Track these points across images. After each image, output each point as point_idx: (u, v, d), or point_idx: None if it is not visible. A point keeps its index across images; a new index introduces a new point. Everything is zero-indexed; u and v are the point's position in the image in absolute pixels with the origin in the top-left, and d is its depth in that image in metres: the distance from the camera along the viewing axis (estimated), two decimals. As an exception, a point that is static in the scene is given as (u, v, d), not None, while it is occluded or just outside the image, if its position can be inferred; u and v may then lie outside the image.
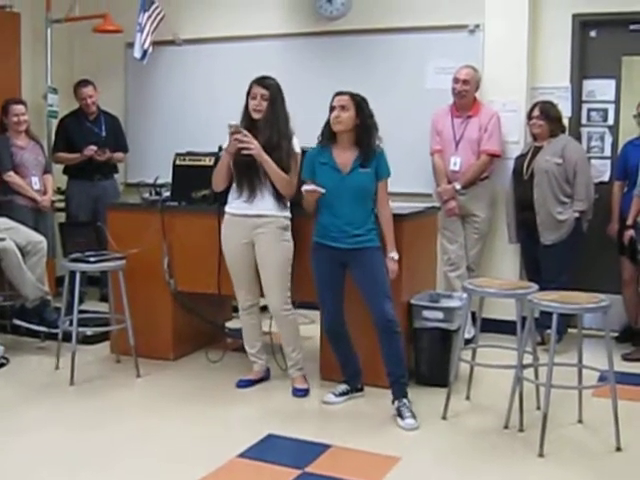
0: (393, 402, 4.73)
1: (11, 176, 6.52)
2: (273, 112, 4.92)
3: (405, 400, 4.70)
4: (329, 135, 4.79)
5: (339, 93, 4.76)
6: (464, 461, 4.18)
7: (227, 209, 5.09)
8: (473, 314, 5.26)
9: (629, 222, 5.96)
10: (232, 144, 4.91)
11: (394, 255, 4.76)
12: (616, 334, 6.20)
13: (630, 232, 5.96)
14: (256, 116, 4.94)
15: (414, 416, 4.62)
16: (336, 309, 4.89)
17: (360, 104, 4.71)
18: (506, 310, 6.10)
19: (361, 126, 4.71)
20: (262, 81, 4.97)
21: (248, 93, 4.98)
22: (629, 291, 6.20)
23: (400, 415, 4.64)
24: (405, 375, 4.78)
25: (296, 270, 5.08)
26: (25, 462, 4.06)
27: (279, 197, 4.96)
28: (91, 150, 7.23)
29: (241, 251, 5.03)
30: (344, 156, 4.75)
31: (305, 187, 4.73)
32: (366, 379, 5.10)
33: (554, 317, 4.19)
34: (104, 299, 6.97)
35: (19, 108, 6.67)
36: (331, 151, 4.78)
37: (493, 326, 5.75)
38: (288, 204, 5.03)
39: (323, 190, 4.69)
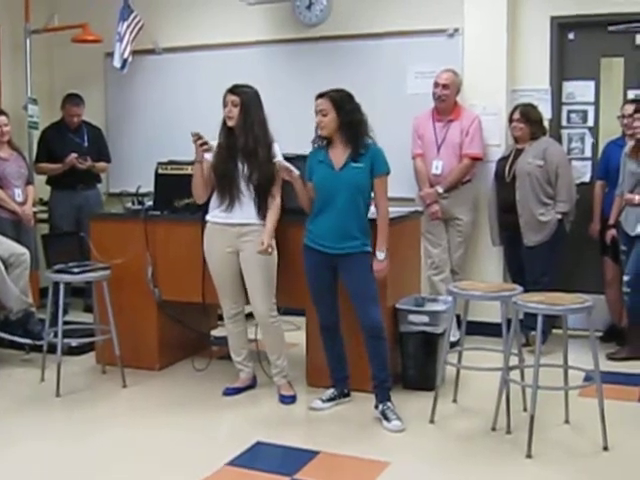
0: (377, 406, 4.76)
1: (-7, 190, 6.50)
2: (246, 118, 4.91)
3: (389, 403, 4.72)
4: (322, 138, 4.81)
5: (318, 96, 4.77)
6: (453, 464, 4.19)
7: (208, 218, 5.09)
8: (457, 317, 5.26)
9: (611, 222, 6.01)
10: (198, 152, 4.95)
11: (378, 254, 4.73)
12: (600, 334, 6.24)
13: (612, 232, 6.02)
14: (229, 123, 4.95)
15: (399, 418, 4.64)
16: (329, 308, 4.91)
17: (338, 103, 4.70)
18: (490, 312, 6.12)
19: (345, 124, 4.70)
20: (233, 89, 4.99)
21: (223, 102, 4.99)
22: (612, 291, 6.24)
23: (386, 418, 4.66)
24: (389, 379, 4.79)
25: (281, 276, 5.08)
26: (12, 475, 4.03)
27: (260, 205, 4.95)
28: (72, 158, 7.20)
29: (226, 260, 5.03)
30: (338, 154, 4.74)
31: (278, 161, 4.81)
32: (353, 384, 5.10)
33: (539, 318, 4.22)
34: (88, 309, 6.96)
35: (1, 119, 6.63)
36: (327, 151, 4.79)
37: (477, 328, 5.76)
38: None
39: (297, 171, 4.74)
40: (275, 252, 5.01)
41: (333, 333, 4.98)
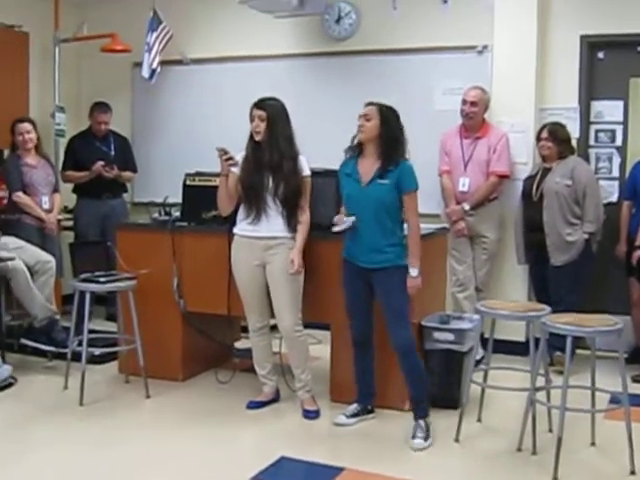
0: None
1: (20, 196, 6.53)
2: (272, 132, 4.91)
3: (421, 421, 4.69)
4: (356, 145, 4.80)
5: (368, 103, 4.77)
6: (478, 484, 4.17)
7: (236, 230, 5.09)
8: (481, 335, 5.24)
9: (637, 243, 5.97)
10: (224, 167, 4.96)
11: (412, 271, 4.67)
12: (625, 355, 6.18)
13: (638, 253, 5.97)
14: (257, 138, 4.95)
15: (425, 437, 4.62)
16: (363, 322, 4.89)
17: (386, 115, 4.70)
18: (514, 331, 6.15)
19: (384, 137, 4.68)
20: (259, 103, 4.98)
21: (250, 116, 5.00)
22: (638, 312, 6.20)
23: (413, 435, 4.64)
24: (422, 397, 4.76)
25: (306, 290, 5.07)
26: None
27: (288, 219, 4.96)
28: (99, 166, 7.23)
29: (252, 273, 5.03)
30: (367, 167, 4.72)
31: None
32: (378, 400, 5.08)
33: (568, 340, 4.18)
34: (110, 318, 7.00)
35: (24, 126, 6.68)
36: (356, 162, 4.78)
37: (500, 347, 5.73)
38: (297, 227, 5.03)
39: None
40: (302, 266, 5.00)
41: (365, 347, 4.96)
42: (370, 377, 5.02)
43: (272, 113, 4.94)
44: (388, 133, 4.68)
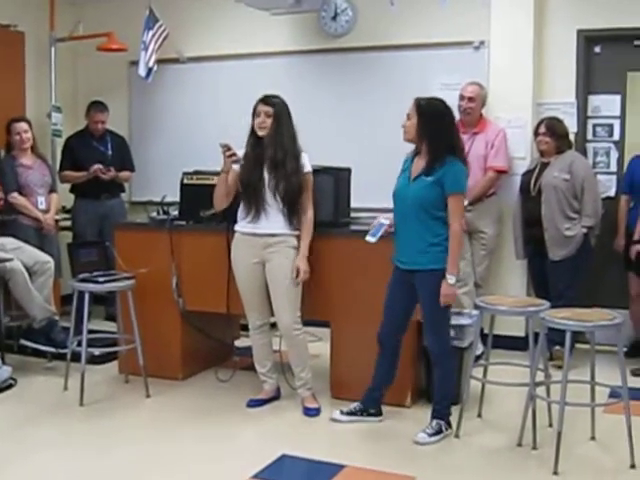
0: None
1: (15, 197, 6.52)
2: (277, 130, 4.91)
3: (434, 421, 4.68)
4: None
5: (415, 99, 4.64)
6: (479, 479, 4.16)
7: (236, 228, 5.09)
8: (481, 330, 5.24)
9: (636, 237, 5.97)
10: (226, 163, 4.95)
11: (448, 278, 4.52)
12: (624, 349, 6.18)
13: (637, 247, 5.98)
14: (260, 133, 4.94)
15: (431, 434, 4.62)
16: (389, 324, 4.80)
17: (423, 110, 4.56)
18: (514, 326, 6.15)
19: (424, 133, 4.56)
20: (266, 99, 4.98)
21: (253, 112, 4.98)
22: (637, 306, 6.22)
23: (422, 430, 4.65)
24: (440, 400, 4.73)
25: (305, 288, 5.06)
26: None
27: (288, 216, 4.95)
28: (96, 169, 7.23)
29: (252, 271, 5.02)
30: (419, 164, 4.63)
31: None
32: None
33: (567, 335, 4.18)
34: (109, 318, 6.99)
35: (20, 126, 6.68)
36: (413, 159, 4.71)
37: (499, 342, 5.72)
38: (298, 224, 5.02)
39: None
40: (302, 264, 5.02)
41: (384, 349, 4.85)
42: (381, 380, 4.91)
43: (279, 110, 4.94)
44: (426, 130, 4.56)
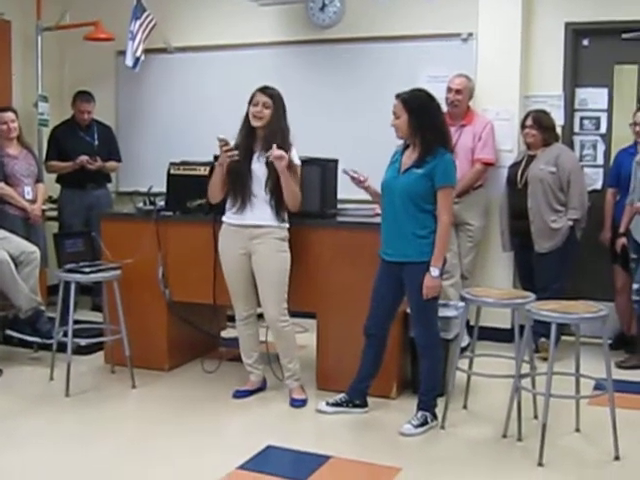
0: None
1: (2, 187, 6.46)
2: (273, 122, 4.89)
3: (420, 412, 4.70)
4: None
5: (396, 96, 4.64)
6: (464, 471, 4.17)
7: (224, 219, 5.07)
8: (467, 322, 5.26)
9: (621, 230, 5.99)
10: (223, 157, 4.91)
11: (432, 270, 4.53)
12: (609, 341, 6.21)
13: (622, 240, 5.99)
14: (255, 123, 4.91)
15: (416, 426, 4.63)
16: (375, 316, 4.82)
17: (412, 106, 4.56)
18: (500, 318, 6.17)
19: (416, 129, 4.56)
20: (265, 90, 4.95)
21: (250, 101, 4.96)
22: (622, 299, 6.23)
23: (408, 421, 4.66)
24: (426, 392, 4.75)
25: (292, 280, 5.05)
26: (21, 475, 4.03)
27: (276, 208, 4.93)
28: (83, 159, 7.20)
29: (238, 262, 5.01)
30: (410, 156, 4.63)
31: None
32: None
33: (553, 327, 4.20)
34: (96, 308, 6.98)
35: (8, 115, 6.63)
36: (403, 152, 4.71)
37: (485, 334, 5.75)
38: (286, 216, 5.01)
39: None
40: (288, 256, 5.00)
41: (370, 341, 4.85)
42: (367, 372, 4.92)
43: (277, 103, 4.92)
44: (418, 124, 4.55)
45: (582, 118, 6.70)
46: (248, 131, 4.95)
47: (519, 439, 4.49)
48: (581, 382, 4.66)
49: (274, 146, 4.77)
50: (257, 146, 4.93)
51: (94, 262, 5.60)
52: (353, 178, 4.82)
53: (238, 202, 4.95)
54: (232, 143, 4.91)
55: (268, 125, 4.90)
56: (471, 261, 6.51)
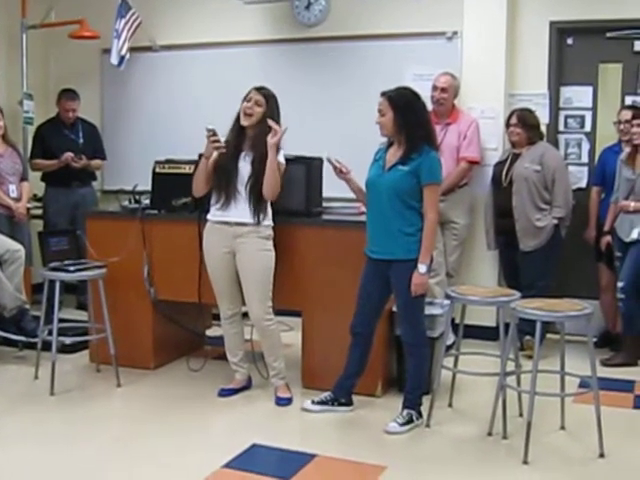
0: None
1: (-15, 185, 6.45)
2: (263, 123, 4.85)
3: (405, 410, 4.71)
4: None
5: (381, 94, 4.65)
6: (450, 469, 4.18)
7: (208, 216, 5.06)
8: (452, 320, 5.27)
9: (606, 228, 6.03)
10: (208, 148, 4.89)
11: (419, 267, 4.54)
12: (594, 339, 6.23)
13: (607, 238, 6.03)
14: (244, 122, 4.90)
15: (401, 424, 4.63)
16: (361, 314, 4.82)
17: (397, 103, 4.57)
18: (485, 316, 6.17)
19: (401, 126, 4.56)
20: (261, 89, 4.96)
21: (245, 97, 4.95)
22: (607, 297, 6.27)
23: (393, 419, 4.67)
24: (412, 390, 4.76)
25: (277, 278, 5.04)
26: (6, 475, 4.00)
27: (255, 207, 4.89)
28: (67, 156, 7.18)
29: (222, 260, 5.01)
30: (394, 154, 4.63)
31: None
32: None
33: (538, 325, 4.21)
34: (81, 307, 6.97)
35: (-8, 113, 6.60)
36: (387, 150, 4.71)
37: (471, 332, 5.76)
38: (270, 213, 4.99)
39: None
40: (272, 254, 4.99)
41: (356, 339, 4.86)
42: (353, 371, 4.92)
43: (270, 104, 4.92)
44: (404, 122, 4.56)
45: (567, 116, 6.72)
46: (238, 130, 4.94)
47: (504, 437, 4.50)
48: (566, 380, 4.68)
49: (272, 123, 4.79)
50: (245, 145, 4.92)
51: (79, 260, 5.58)
52: (335, 167, 4.84)
53: (222, 198, 4.94)
54: (222, 140, 4.90)
55: (258, 124, 4.88)
56: (456, 259, 6.52)
